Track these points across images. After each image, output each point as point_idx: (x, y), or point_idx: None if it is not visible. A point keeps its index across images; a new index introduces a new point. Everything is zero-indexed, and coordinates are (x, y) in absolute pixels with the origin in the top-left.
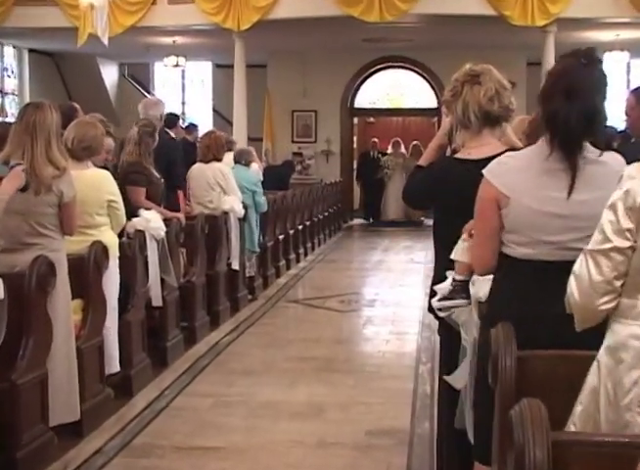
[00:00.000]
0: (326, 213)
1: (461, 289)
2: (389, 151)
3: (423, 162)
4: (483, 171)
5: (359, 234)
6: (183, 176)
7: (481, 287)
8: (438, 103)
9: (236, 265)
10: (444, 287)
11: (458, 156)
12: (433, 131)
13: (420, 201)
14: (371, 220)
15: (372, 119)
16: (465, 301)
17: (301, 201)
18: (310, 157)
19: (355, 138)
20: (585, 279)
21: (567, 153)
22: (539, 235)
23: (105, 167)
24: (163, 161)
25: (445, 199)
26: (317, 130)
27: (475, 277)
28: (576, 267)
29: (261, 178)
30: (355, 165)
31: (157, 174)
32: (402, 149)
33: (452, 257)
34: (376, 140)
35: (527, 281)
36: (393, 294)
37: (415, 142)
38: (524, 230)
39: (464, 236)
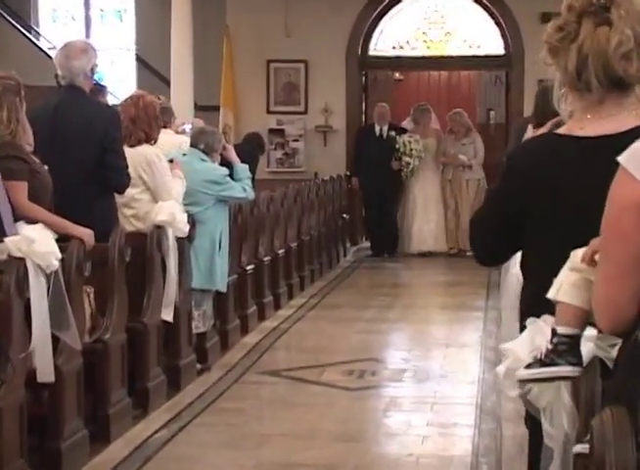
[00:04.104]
0: (323, 229)
1: (567, 349)
2: (407, 124)
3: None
4: (620, 160)
5: (377, 262)
6: (126, 168)
7: (583, 346)
8: (507, 49)
9: (169, 316)
10: (520, 346)
11: (563, 131)
12: (498, 94)
13: (495, 243)
14: (381, 254)
15: (398, 75)
16: (574, 368)
17: (283, 209)
18: (297, 136)
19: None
20: None
21: None
22: None
23: None
24: (96, 142)
25: (542, 204)
26: (308, 93)
27: (589, 332)
28: None
29: (226, 172)
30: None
31: (37, 160)
32: (434, 121)
33: (551, 296)
34: (384, 105)
35: None
36: (434, 360)
37: (456, 110)
38: None
39: (573, 262)
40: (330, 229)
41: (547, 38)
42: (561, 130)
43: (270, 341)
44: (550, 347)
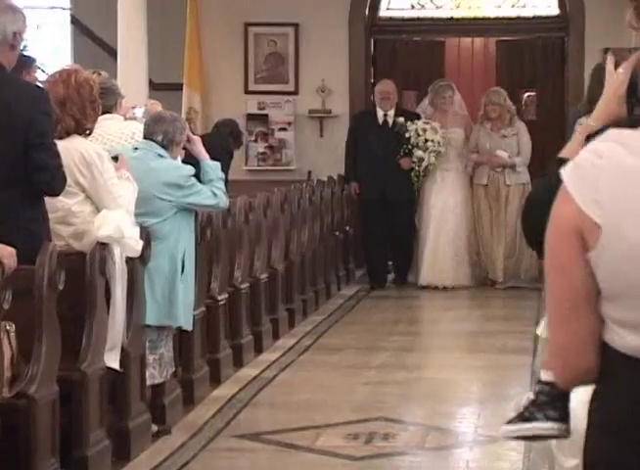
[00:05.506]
0: (319, 247)
1: (549, 400)
2: (427, 108)
3: (569, 153)
4: (562, 173)
5: (388, 291)
6: (60, 168)
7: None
8: (563, 8)
9: (114, 361)
10: (579, 399)
11: None
12: (553, 69)
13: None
14: (383, 285)
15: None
16: (553, 425)
17: (267, 220)
18: (285, 124)
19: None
20: None
21: None
22: None
23: None
24: (20, 133)
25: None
26: (299, 67)
27: None
28: None
29: (192, 172)
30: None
31: None
32: (459, 104)
33: (539, 332)
34: (388, 82)
35: (637, 404)
36: (465, 420)
37: (494, 89)
38: (630, 295)
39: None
40: (328, 247)
41: None
42: None
43: (249, 394)
44: (532, 397)
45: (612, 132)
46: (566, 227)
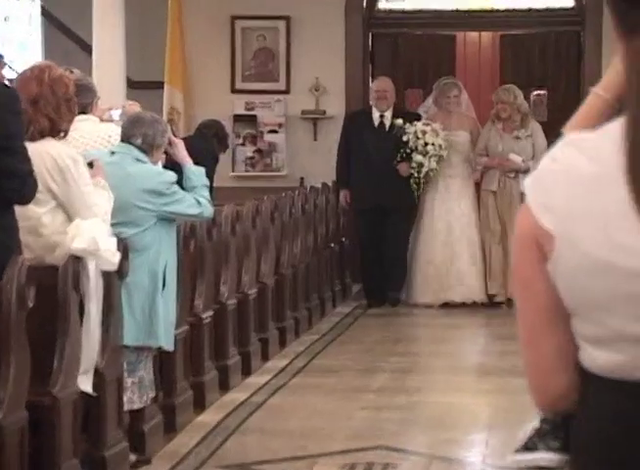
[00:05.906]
0: (313, 260)
1: (551, 430)
2: (430, 108)
3: (575, 125)
4: (525, 182)
5: (388, 308)
6: (30, 174)
7: None
8: (578, 1)
9: (88, 385)
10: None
11: None
12: (566, 66)
13: None
14: (382, 304)
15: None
16: (553, 456)
17: (255, 230)
18: (276, 126)
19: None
20: None
21: None
22: (618, 321)
23: None
24: None
25: None
26: (291, 64)
27: None
28: None
29: (173, 178)
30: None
31: None
32: (465, 104)
33: None
34: (385, 79)
35: (614, 426)
36: (473, 448)
37: (506, 86)
38: (589, 308)
39: None
40: (322, 260)
41: None
42: None
43: (237, 421)
44: (537, 425)
45: (569, 136)
46: (526, 238)
